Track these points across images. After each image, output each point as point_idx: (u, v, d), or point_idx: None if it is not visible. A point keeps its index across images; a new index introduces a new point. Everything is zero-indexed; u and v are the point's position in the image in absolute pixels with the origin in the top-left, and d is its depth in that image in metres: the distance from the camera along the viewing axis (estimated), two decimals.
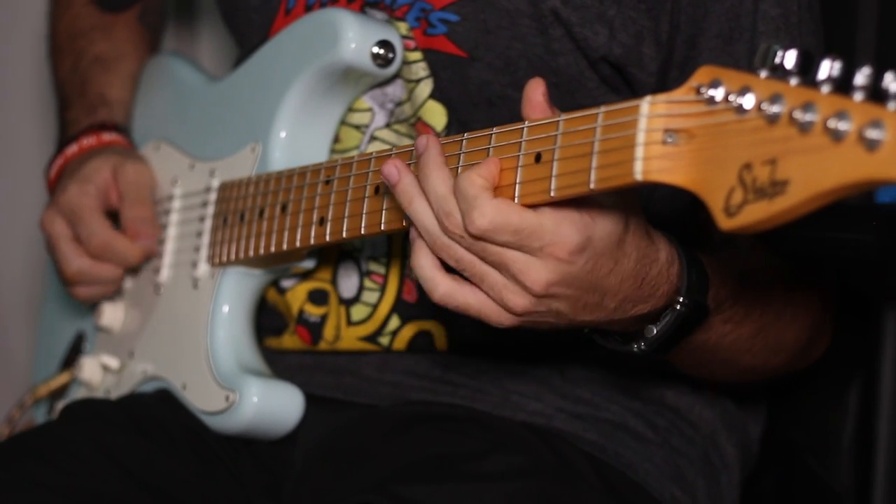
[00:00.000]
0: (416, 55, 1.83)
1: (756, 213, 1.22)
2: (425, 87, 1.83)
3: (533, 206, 1.45)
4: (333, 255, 1.91)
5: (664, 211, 1.83)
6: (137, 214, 2.01)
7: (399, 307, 1.89)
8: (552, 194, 1.41)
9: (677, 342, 1.61)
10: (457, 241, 1.48)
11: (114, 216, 2.04)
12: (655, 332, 1.58)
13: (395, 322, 1.89)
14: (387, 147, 1.86)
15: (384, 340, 1.90)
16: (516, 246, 1.44)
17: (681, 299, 1.56)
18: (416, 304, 1.88)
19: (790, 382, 2.00)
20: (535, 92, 1.49)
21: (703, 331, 1.63)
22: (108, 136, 2.10)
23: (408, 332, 1.89)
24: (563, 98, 1.77)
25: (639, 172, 1.33)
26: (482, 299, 1.50)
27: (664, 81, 1.75)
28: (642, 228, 1.51)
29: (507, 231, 1.43)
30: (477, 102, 1.80)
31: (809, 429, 2.00)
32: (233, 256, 1.88)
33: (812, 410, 2.00)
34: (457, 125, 1.82)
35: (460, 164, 1.52)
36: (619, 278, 1.50)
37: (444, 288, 1.51)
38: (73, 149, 2.10)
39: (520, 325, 1.52)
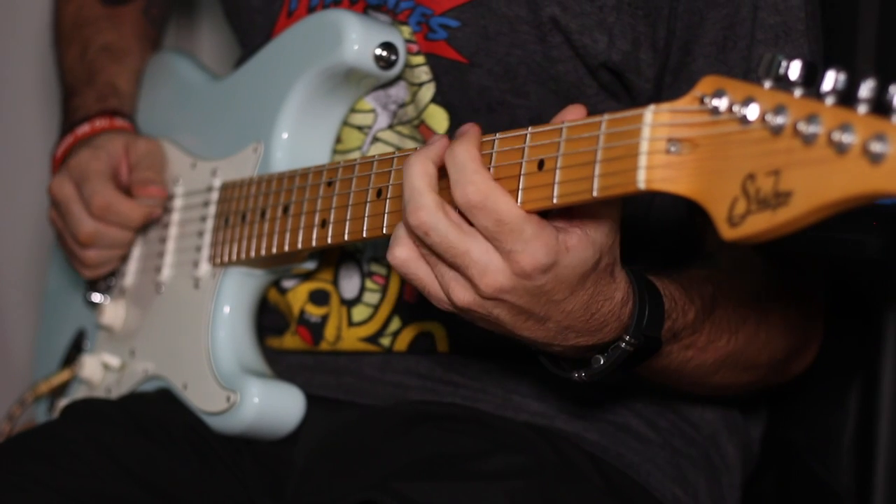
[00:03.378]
0: (419, 59, 1.83)
1: (759, 223, 1.22)
2: (427, 91, 1.83)
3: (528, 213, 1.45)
4: (335, 256, 1.91)
5: (665, 217, 1.83)
6: (144, 176, 2.01)
7: (400, 308, 1.89)
8: (555, 201, 1.41)
9: (625, 371, 1.60)
10: (420, 237, 1.47)
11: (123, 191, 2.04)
12: (602, 363, 1.58)
13: (396, 323, 1.89)
14: (389, 149, 1.86)
15: (385, 341, 1.90)
16: (491, 237, 1.44)
17: (627, 338, 1.55)
18: (418, 306, 1.87)
19: (790, 382, 2.00)
20: (571, 118, 1.47)
21: (661, 357, 1.63)
22: (120, 122, 2.10)
23: (409, 333, 1.89)
24: (563, 104, 1.75)
25: (642, 181, 1.33)
26: (430, 277, 1.51)
27: (661, 87, 1.75)
28: (609, 267, 1.50)
29: (492, 217, 1.43)
30: (477, 108, 1.80)
31: (810, 429, 2.00)
32: (234, 257, 1.88)
33: (812, 411, 2.01)
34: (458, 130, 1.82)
35: None
36: (570, 306, 1.49)
37: (403, 253, 1.51)
38: (84, 128, 2.09)
39: (457, 314, 1.52)
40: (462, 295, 1.48)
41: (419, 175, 1.47)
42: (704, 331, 1.67)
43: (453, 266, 1.47)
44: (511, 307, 1.48)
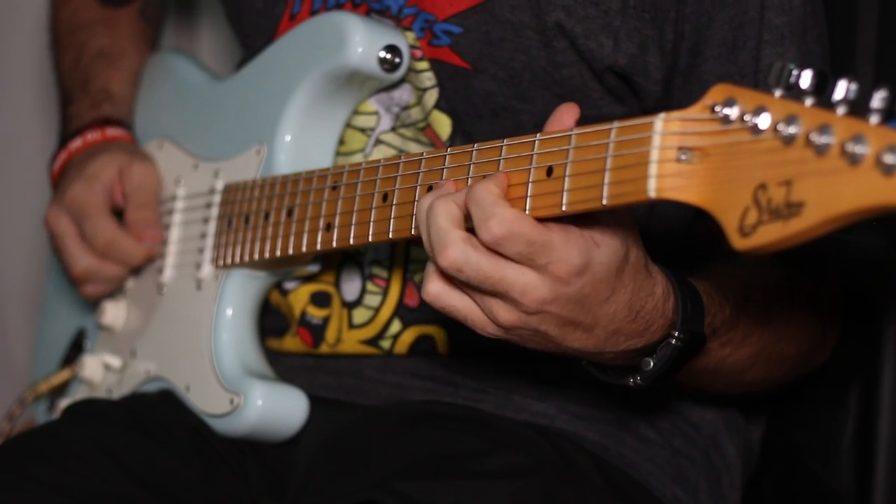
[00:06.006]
0: (424, 65, 1.83)
1: (771, 234, 1.22)
2: (431, 97, 1.83)
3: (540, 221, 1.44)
4: (336, 258, 1.91)
5: (667, 219, 1.83)
6: (142, 217, 2.01)
7: (401, 311, 1.88)
8: (564, 209, 1.41)
9: (675, 373, 1.60)
10: (454, 276, 1.47)
11: (118, 214, 2.04)
12: (652, 365, 1.57)
13: (396, 326, 1.89)
14: (391, 151, 1.86)
15: (385, 344, 1.90)
16: (525, 259, 1.43)
17: (676, 333, 1.55)
18: (418, 309, 1.87)
19: (790, 383, 2.00)
20: (568, 117, 1.48)
21: (701, 356, 1.63)
22: (112, 132, 2.10)
23: (409, 336, 1.89)
24: None
25: (652, 190, 1.33)
26: (470, 306, 1.50)
27: (668, 89, 1.75)
28: (641, 261, 1.50)
29: (521, 241, 1.42)
30: (481, 113, 1.80)
31: (810, 429, 2.00)
32: (237, 259, 1.87)
33: (812, 411, 2.01)
34: (461, 135, 1.82)
35: (470, 174, 1.52)
36: (613, 307, 1.49)
37: (436, 288, 1.51)
38: (77, 143, 2.09)
39: (504, 338, 1.52)
40: (507, 315, 1.47)
41: (443, 215, 1.46)
42: (740, 326, 1.67)
43: (493, 294, 1.47)
44: (557, 318, 1.48)
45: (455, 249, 1.44)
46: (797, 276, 1.78)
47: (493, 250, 1.44)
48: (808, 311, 1.78)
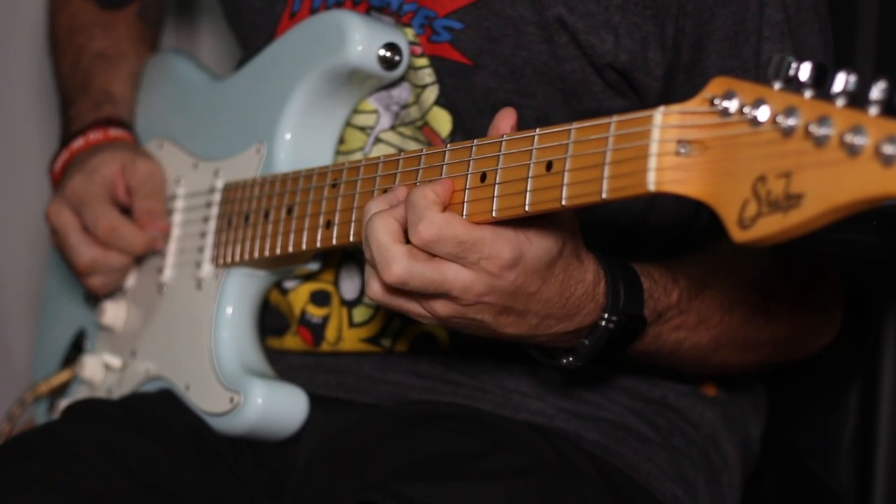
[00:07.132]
0: (423, 61, 1.83)
1: (770, 225, 1.22)
2: (431, 94, 1.83)
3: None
4: (336, 257, 1.91)
5: (665, 215, 1.83)
6: (150, 206, 2.01)
7: None
8: (563, 203, 1.42)
9: (616, 354, 1.65)
10: (400, 289, 1.53)
11: (121, 211, 2.04)
12: (586, 345, 1.62)
13: (397, 324, 1.89)
14: (391, 149, 1.86)
15: (386, 342, 1.90)
16: (457, 258, 1.49)
17: (606, 316, 1.60)
18: None
19: (790, 382, 2.00)
20: (504, 123, 1.54)
21: (652, 339, 1.67)
22: (114, 132, 2.10)
23: (410, 333, 1.89)
24: (570, 102, 1.78)
25: (651, 183, 1.33)
26: (412, 304, 1.57)
27: (669, 85, 1.75)
28: (575, 251, 1.56)
29: (451, 242, 1.49)
30: (482, 109, 1.81)
31: (810, 429, 2.00)
32: (237, 258, 1.87)
33: (812, 410, 2.01)
34: (462, 132, 1.83)
35: (469, 170, 1.52)
36: (546, 295, 1.55)
37: (376, 287, 1.56)
38: (79, 143, 2.08)
39: (442, 326, 1.61)
40: (445, 309, 1.54)
41: (382, 231, 1.52)
42: (693, 311, 1.70)
43: (434, 296, 1.53)
44: (492, 307, 1.54)
45: (399, 265, 1.51)
46: (781, 267, 1.78)
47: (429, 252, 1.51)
48: (786, 302, 1.79)
